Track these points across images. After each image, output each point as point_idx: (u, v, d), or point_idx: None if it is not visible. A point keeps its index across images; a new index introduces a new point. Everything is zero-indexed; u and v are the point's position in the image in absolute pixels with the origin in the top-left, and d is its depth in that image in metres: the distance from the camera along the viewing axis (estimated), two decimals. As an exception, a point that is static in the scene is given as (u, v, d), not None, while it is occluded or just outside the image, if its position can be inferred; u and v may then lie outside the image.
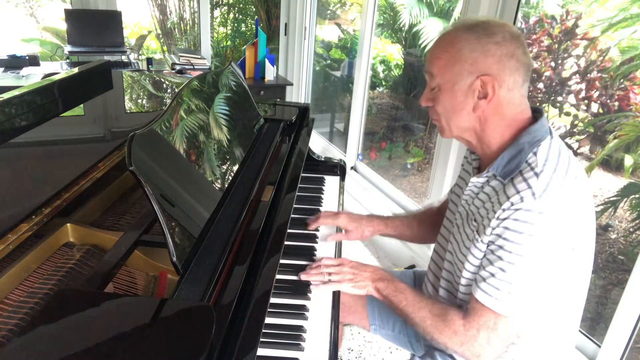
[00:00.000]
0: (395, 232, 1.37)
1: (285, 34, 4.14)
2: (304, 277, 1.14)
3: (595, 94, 2.51)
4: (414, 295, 1.05)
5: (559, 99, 2.74)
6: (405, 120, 4.03)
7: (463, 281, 1.01)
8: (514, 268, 0.88)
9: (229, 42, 5.27)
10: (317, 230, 1.37)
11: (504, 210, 0.88)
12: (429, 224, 1.34)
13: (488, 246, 0.93)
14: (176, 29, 5.00)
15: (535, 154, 0.90)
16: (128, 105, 1.64)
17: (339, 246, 1.34)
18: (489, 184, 0.97)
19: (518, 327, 0.93)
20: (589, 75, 2.52)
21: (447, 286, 1.11)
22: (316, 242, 1.32)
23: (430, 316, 1.00)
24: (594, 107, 2.55)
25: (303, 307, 1.06)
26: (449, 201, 1.19)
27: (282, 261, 1.12)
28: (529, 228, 0.85)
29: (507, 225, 0.88)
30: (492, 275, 0.90)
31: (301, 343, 0.96)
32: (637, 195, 2.30)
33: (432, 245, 1.30)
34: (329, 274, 1.13)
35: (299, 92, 4.13)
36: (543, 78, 2.77)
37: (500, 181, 0.94)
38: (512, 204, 0.87)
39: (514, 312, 0.90)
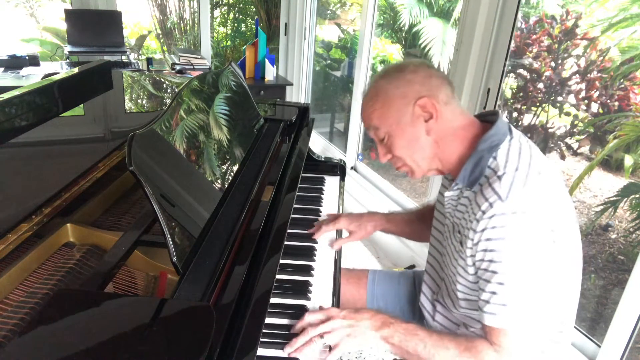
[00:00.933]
0: (397, 228, 1.37)
1: (285, 34, 4.14)
2: (293, 353, 0.92)
3: (595, 94, 2.51)
4: (430, 336, 0.94)
5: (559, 99, 2.74)
6: (405, 120, 4.03)
7: (460, 295, 1.01)
8: (511, 277, 0.86)
9: (229, 42, 5.27)
10: (317, 230, 1.37)
11: (478, 221, 0.88)
12: (428, 221, 1.33)
13: (475, 265, 0.92)
14: (176, 29, 5.00)
15: (495, 158, 0.92)
16: (128, 105, 1.64)
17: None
18: (463, 195, 0.98)
19: (539, 327, 0.92)
20: (589, 75, 2.52)
21: (446, 291, 1.10)
22: (316, 242, 1.32)
23: (458, 354, 0.92)
24: (594, 107, 2.55)
25: (303, 307, 1.06)
26: (435, 210, 1.18)
27: (282, 261, 1.11)
28: (509, 232, 0.85)
29: (488, 237, 0.87)
30: (494, 293, 0.88)
31: (301, 343, 0.96)
32: (637, 195, 2.31)
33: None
34: (321, 336, 0.94)
35: (299, 92, 4.13)
36: (543, 78, 2.77)
37: (472, 191, 0.95)
38: (484, 213, 0.87)
39: (531, 319, 0.88)
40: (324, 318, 0.97)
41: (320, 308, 1.04)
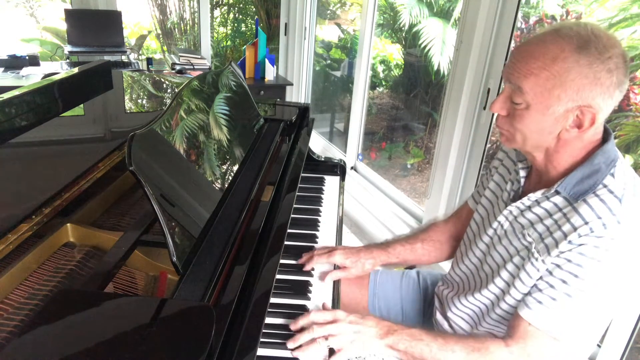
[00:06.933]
0: (399, 258, 1.26)
1: (285, 34, 4.14)
2: (296, 351, 0.91)
3: (595, 94, 2.50)
4: (435, 339, 0.93)
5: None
6: (405, 120, 4.03)
7: (510, 300, 0.95)
8: (583, 296, 0.83)
9: (229, 42, 5.28)
10: (317, 230, 1.37)
11: (580, 236, 0.82)
12: (436, 242, 1.28)
13: (550, 268, 0.88)
14: (176, 29, 5.00)
15: (613, 175, 0.84)
16: (128, 105, 1.64)
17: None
18: (549, 200, 0.91)
19: (572, 351, 0.89)
20: (589, 75, 2.51)
21: (483, 300, 1.04)
22: (316, 243, 1.32)
23: (465, 355, 0.90)
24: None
25: (303, 307, 1.06)
26: (477, 209, 1.13)
27: (282, 261, 1.11)
28: (609, 258, 0.81)
29: (583, 252, 0.82)
30: (553, 299, 0.86)
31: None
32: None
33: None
34: (326, 338, 0.92)
35: (299, 92, 4.13)
36: (543, 78, 2.76)
37: (566, 199, 0.87)
38: (593, 230, 0.81)
39: (574, 339, 0.86)
40: (330, 319, 0.95)
41: (324, 306, 1.03)
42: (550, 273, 0.87)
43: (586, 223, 0.82)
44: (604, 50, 0.78)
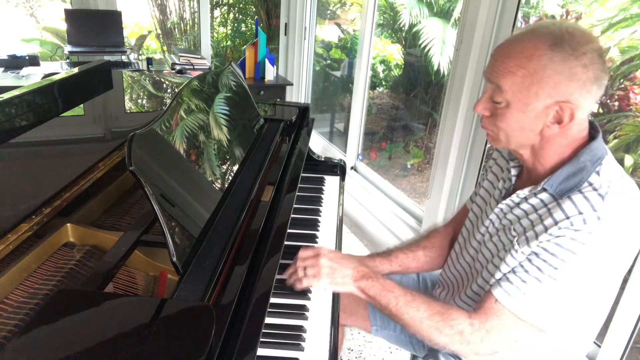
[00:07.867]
0: (401, 267, 1.26)
1: (285, 34, 4.14)
2: (287, 277, 1.08)
3: (595, 94, 2.50)
4: (404, 294, 0.98)
5: (559, 99, 2.73)
6: (405, 120, 4.04)
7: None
8: (553, 284, 0.85)
9: (229, 42, 5.27)
10: (317, 230, 1.37)
11: (560, 228, 0.84)
12: (437, 248, 1.27)
13: (528, 256, 0.89)
14: (176, 29, 5.00)
15: (598, 173, 0.85)
16: (128, 105, 1.64)
17: None
18: (536, 196, 0.92)
19: (536, 338, 0.91)
20: (589, 75, 2.51)
21: (474, 297, 1.05)
22: (316, 243, 1.32)
23: (427, 316, 0.94)
24: (594, 107, 2.54)
25: (303, 307, 1.06)
26: (472, 208, 1.14)
27: (282, 261, 1.12)
28: (586, 251, 0.82)
29: (560, 243, 0.84)
30: (524, 281, 0.87)
31: (301, 343, 0.96)
32: (637, 195, 2.30)
33: None
34: (305, 268, 1.05)
35: (299, 92, 4.13)
36: (543, 78, 2.76)
37: (552, 195, 0.89)
38: (572, 224, 0.82)
39: (540, 323, 0.88)
40: (312, 254, 1.05)
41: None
42: (528, 260, 0.89)
43: (567, 217, 0.84)
44: (577, 47, 0.80)
